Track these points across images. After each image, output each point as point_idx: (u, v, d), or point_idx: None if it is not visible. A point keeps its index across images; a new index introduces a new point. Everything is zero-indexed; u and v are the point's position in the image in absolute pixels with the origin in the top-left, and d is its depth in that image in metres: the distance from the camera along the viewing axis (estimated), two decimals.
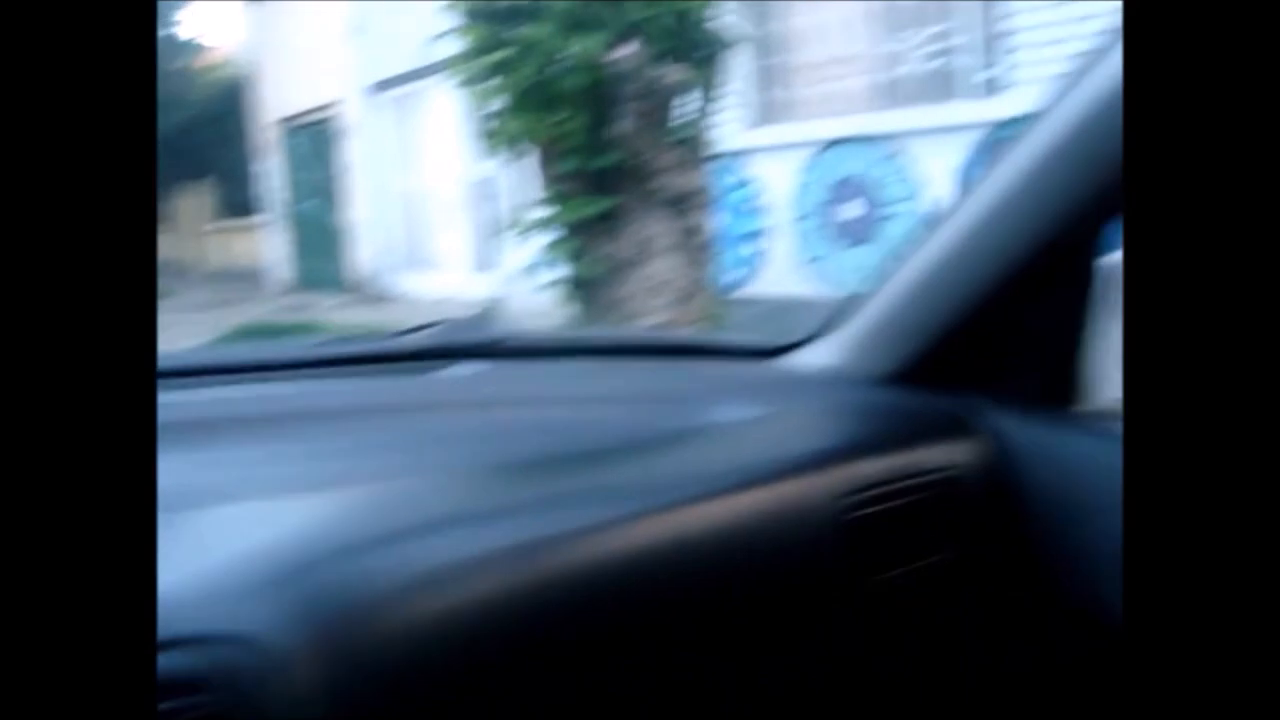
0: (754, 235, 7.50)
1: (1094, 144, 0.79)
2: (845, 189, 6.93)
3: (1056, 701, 0.91)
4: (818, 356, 1.05)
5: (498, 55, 4.40)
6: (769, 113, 7.57)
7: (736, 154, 7.42)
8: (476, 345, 0.99)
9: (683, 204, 4.43)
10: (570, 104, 4.37)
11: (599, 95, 4.38)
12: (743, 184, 7.54)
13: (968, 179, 6.00)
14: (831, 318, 1.05)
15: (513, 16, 4.47)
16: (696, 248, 4.53)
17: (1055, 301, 0.92)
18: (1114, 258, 0.93)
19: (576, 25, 4.34)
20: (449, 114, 10.18)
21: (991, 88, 6.08)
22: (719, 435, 0.88)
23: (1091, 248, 0.90)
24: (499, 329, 1.40)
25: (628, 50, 4.18)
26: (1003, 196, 0.86)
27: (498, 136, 4.66)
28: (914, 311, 0.95)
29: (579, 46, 4.24)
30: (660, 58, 4.31)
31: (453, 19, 4.66)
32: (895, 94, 6.73)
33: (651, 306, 4.34)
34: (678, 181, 4.38)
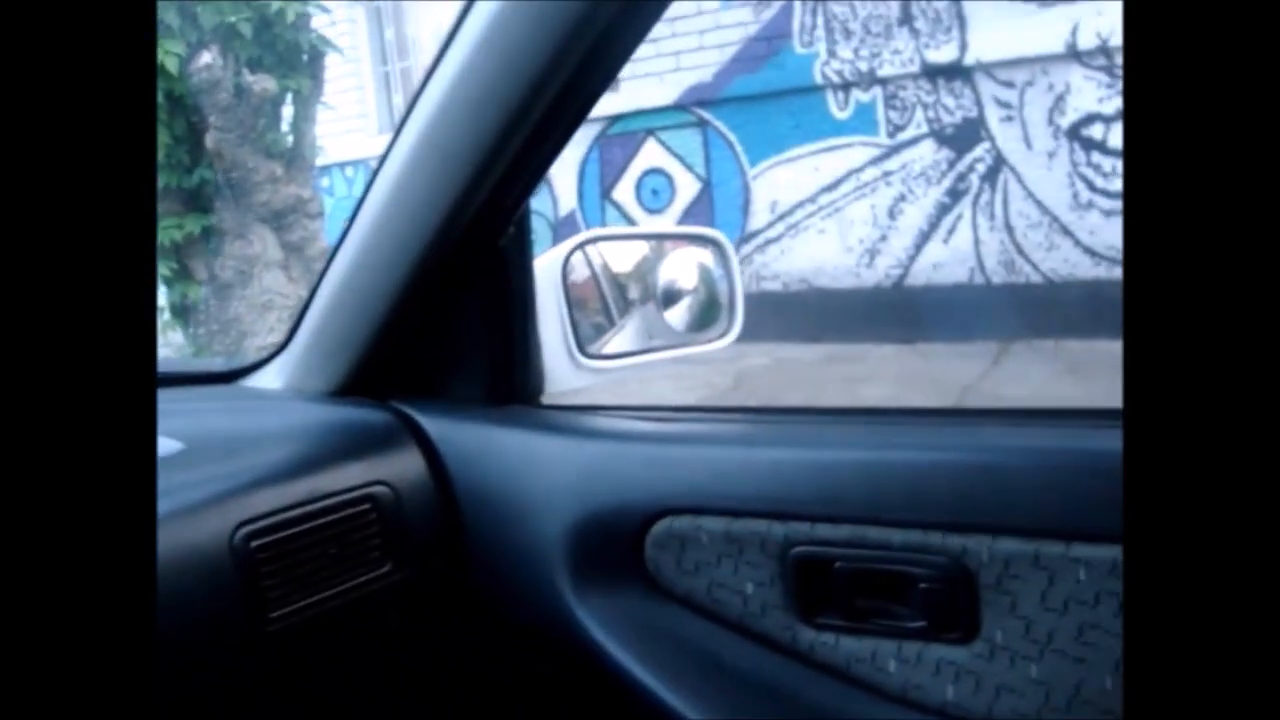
0: None
1: (452, 137, 0.80)
2: None
3: (506, 708, 0.92)
4: (269, 377, 1.00)
5: None
6: (395, 118, 7.46)
7: (366, 161, 7.26)
8: None
9: (287, 217, 4.24)
10: None
11: (182, 107, 4.09)
12: None
13: (588, 178, 6.21)
14: (288, 334, 1.01)
15: None
16: (308, 260, 4.36)
17: (480, 301, 0.92)
18: (546, 257, 0.95)
19: None
20: None
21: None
22: None
23: (503, 241, 0.90)
24: None
25: (207, 58, 3.93)
26: (384, 204, 0.85)
27: None
28: (338, 325, 0.92)
29: None
30: (247, 66, 4.09)
31: None
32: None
33: (263, 325, 4.13)
34: (280, 194, 4.19)
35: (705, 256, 1.06)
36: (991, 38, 4.91)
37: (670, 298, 1.04)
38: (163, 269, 4.27)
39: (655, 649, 0.78)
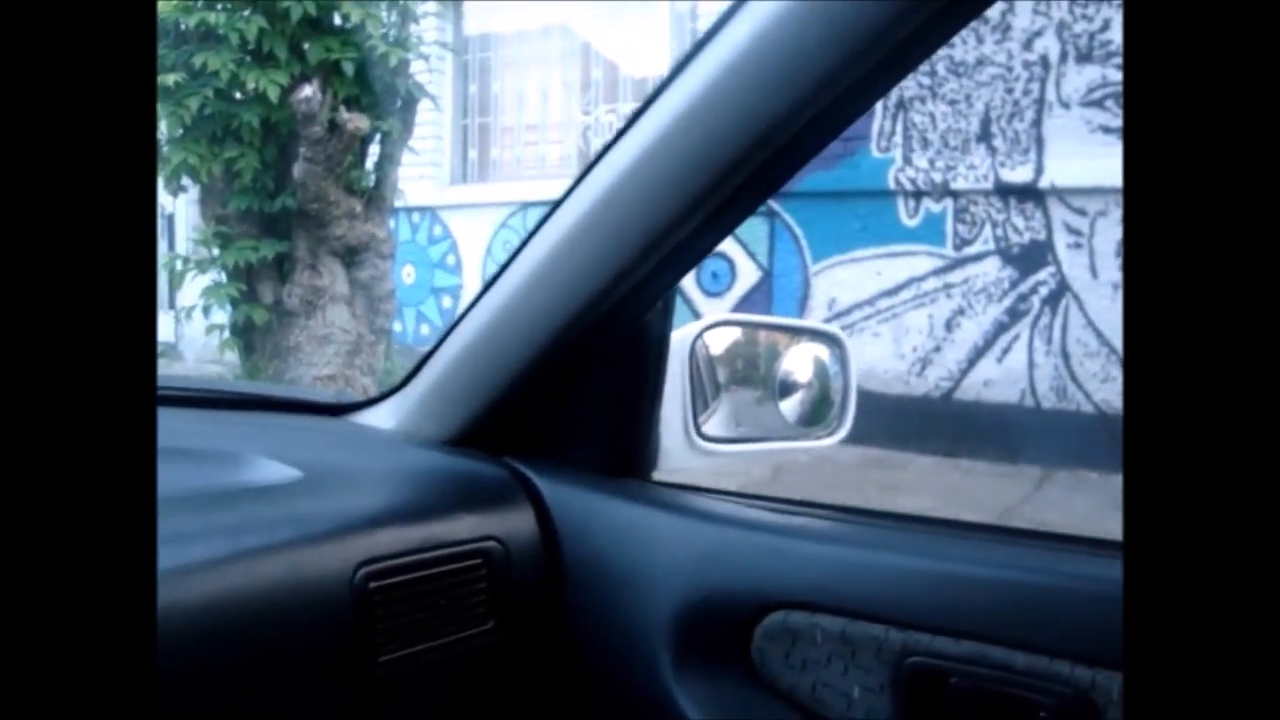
0: (448, 290, 7.45)
1: (615, 219, 0.81)
2: None
3: None
4: (381, 417, 1.01)
5: (166, 79, 4.13)
6: (468, 171, 7.60)
7: (434, 209, 7.38)
8: None
9: (359, 254, 4.31)
10: (243, 140, 4.17)
11: (275, 134, 4.20)
12: (438, 239, 7.49)
13: None
14: (406, 377, 1.02)
15: (185, 41, 4.23)
16: (374, 299, 4.42)
17: (612, 371, 0.93)
18: (682, 332, 0.97)
19: (255, 58, 4.16)
20: None
21: None
22: (244, 496, 0.82)
23: (648, 318, 0.92)
24: None
25: (307, 91, 4.04)
26: (539, 266, 0.86)
27: (161, 166, 4.36)
28: (465, 377, 0.93)
29: (255, 81, 4.06)
30: (344, 103, 4.20)
31: None
32: (588, 161, 6.94)
33: (320, 357, 4.17)
34: (356, 231, 4.26)
35: (822, 352, 1.07)
36: (1068, 164, 4.94)
37: (786, 389, 1.04)
38: (231, 289, 4.34)
39: None
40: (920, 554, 0.77)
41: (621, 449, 0.94)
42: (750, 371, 1.09)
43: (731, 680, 0.79)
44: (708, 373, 1.04)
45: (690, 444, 0.95)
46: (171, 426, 0.98)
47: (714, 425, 1.02)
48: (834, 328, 1.08)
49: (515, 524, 0.87)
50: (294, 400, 1.12)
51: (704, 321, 0.98)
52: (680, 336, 0.96)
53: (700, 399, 1.00)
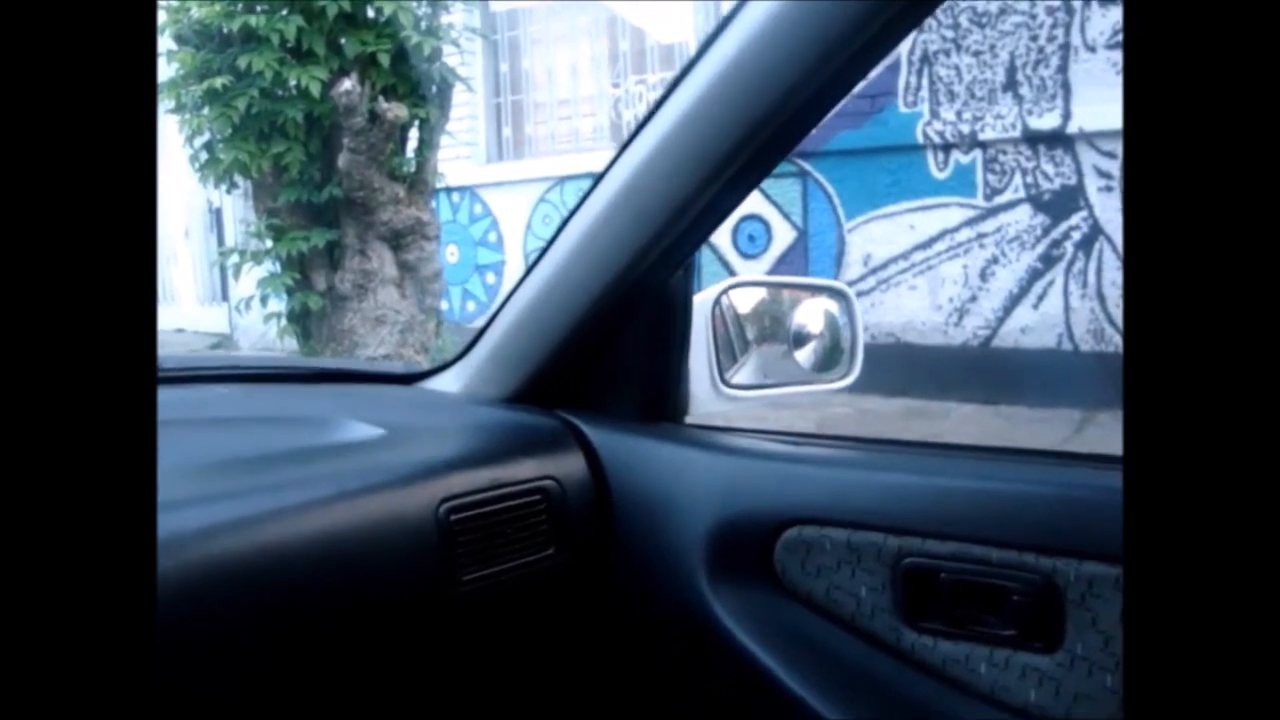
0: (492, 267, 7.59)
1: (642, 195, 0.94)
2: None
3: (646, 691, 1.04)
4: (447, 382, 1.15)
5: (214, 82, 4.31)
6: (504, 149, 7.70)
7: (473, 188, 7.50)
8: None
9: (406, 237, 4.48)
10: (289, 135, 4.35)
11: (319, 128, 4.37)
12: (479, 218, 7.63)
13: None
14: (466, 347, 1.16)
15: (229, 44, 4.40)
16: (422, 280, 4.59)
17: (643, 329, 1.06)
18: (702, 295, 1.10)
19: (295, 56, 4.32)
20: (172, 140, 9.69)
21: None
22: (340, 450, 0.96)
23: (672, 281, 1.05)
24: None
25: (347, 84, 4.21)
26: (576, 243, 1.00)
27: (214, 166, 4.56)
28: (518, 344, 1.07)
29: (297, 78, 4.22)
30: (382, 93, 4.36)
31: (165, 43, 4.53)
32: (621, 134, 7.04)
33: (374, 338, 4.35)
34: (401, 215, 4.43)
35: (831, 305, 1.20)
36: (1096, 108, 4.94)
37: (800, 340, 1.17)
38: (286, 279, 4.53)
39: (777, 640, 0.89)
40: (909, 471, 0.90)
41: (655, 397, 1.07)
42: (773, 327, 1.22)
43: (758, 589, 0.91)
44: (735, 329, 1.17)
45: (716, 391, 1.08)
46: (267, 399, 1.15)
47: (744, 375, 1.15)
48: (841, 283, 1.21)
49: (568, 465, 1.00)
50: (370, 372, 1.27)
51: (723, 284, 1.11)
52: (703, 298, 1.09)
53: (725, 352, 1.13)
